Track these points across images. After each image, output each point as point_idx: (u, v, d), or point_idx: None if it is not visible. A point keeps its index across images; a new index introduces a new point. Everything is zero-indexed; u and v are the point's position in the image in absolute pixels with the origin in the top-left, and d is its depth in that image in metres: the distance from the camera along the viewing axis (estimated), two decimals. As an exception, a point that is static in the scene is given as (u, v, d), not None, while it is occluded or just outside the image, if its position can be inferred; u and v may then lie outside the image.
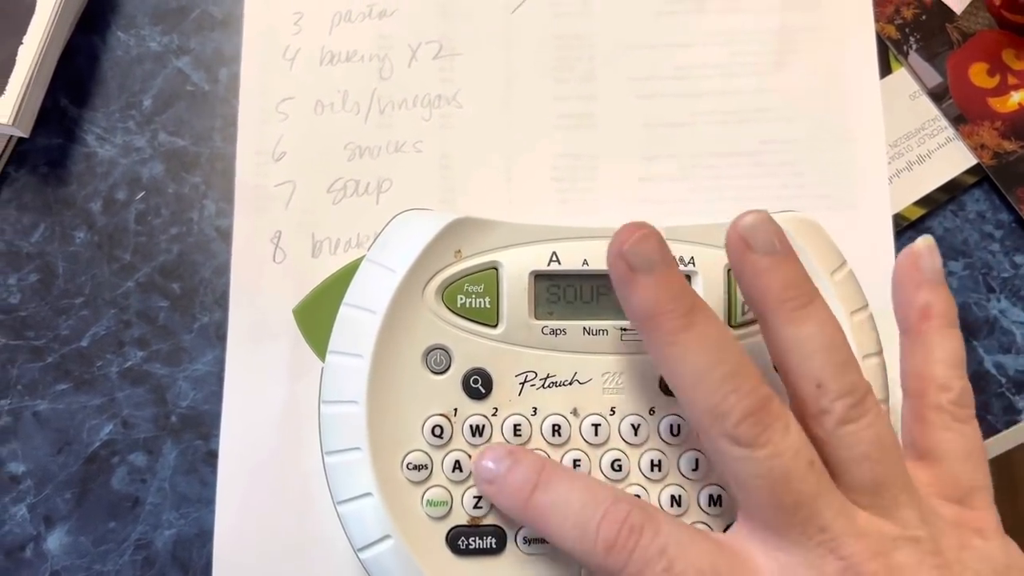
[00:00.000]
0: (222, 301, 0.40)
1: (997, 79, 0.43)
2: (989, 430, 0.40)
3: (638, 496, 0.33)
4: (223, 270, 0.40)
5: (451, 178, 0.41)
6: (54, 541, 0.38)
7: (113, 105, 0.42)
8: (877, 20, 0.42)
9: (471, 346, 0.34)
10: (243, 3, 0.43)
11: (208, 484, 0.38)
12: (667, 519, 0.29)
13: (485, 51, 0.42)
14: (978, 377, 0.40)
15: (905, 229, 0.41)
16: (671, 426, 0.34)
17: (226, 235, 0.40)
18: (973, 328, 0.41)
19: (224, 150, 0.42)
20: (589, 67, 0.42)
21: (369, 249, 0.35)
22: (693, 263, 0.34)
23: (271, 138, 0.41)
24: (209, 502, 0.38)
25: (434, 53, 0.42)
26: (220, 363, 0.39)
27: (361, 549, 0.33)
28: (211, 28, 0.43)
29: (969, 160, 0.42)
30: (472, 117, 0.41)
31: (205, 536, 0.38)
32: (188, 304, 0.40)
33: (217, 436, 0.38)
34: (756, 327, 0.34)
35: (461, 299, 0.34)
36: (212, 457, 0.38)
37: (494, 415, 0.34)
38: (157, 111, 0.42)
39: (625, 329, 0.34)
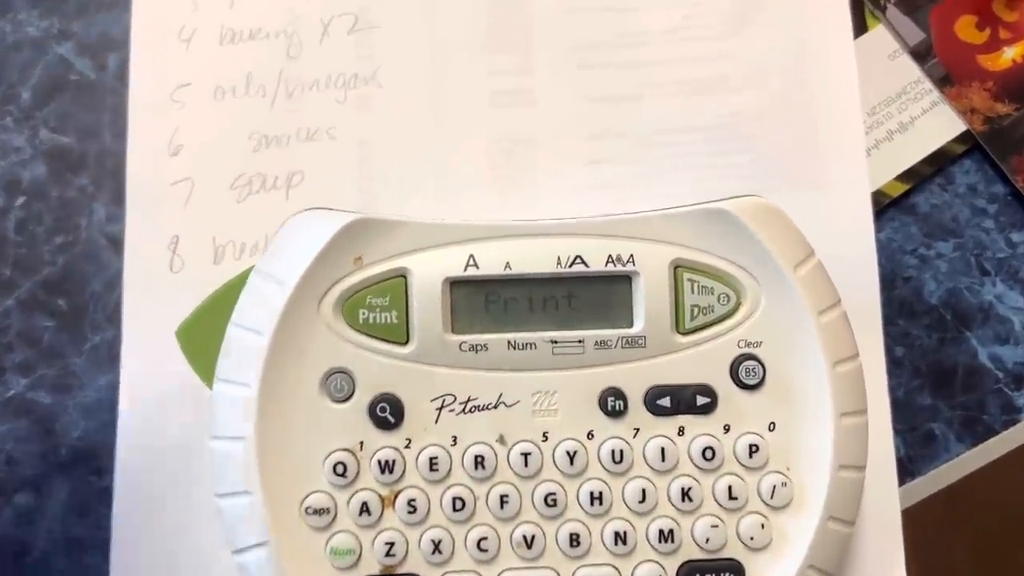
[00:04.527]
0: (115, 318, 0.37)
1: (987, 33, 0.40)
2: (986, 431, 0.37)
3: (577, 535, 0.30)
4: (115, 283, 0.37)
5: (371, 168, 0.38)
6: (-67, 595, 0.35)
7: (-13, 99, 0.39)
8: (850, -30, 0.39)
9: (377, 368, 0.30)
10: (131, -22, 0.39)
11: (103, 527, 0.35)
12: None
13: (407, 22, 0.39)
14: (972, 372, 0.38)
15: (887, 207, 0.39)
16: (613, 451, 0.30)
17: (118, 243, 0.37)
18: (965, 316, 0.38)
19: (114, 147, 0.38)
20: (526, 36, 0.39)
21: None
22: (632, 262, 0.30)
23: (166, 130, 0.38)
24: (104, 544, 0.35)
25: (349, 26, 0.39)
26: (114, 389, 0.36)
27: (261, 604, 0.29)
28: (96, 9, 0.40)
29: (958, 126, 0.39)
30: (394, 98, 0.38)
31: (101, 584, 0.34)
32: (77, 323, 0.37)
33: (112, 471, 0.35)
34: (705, 334, 0.31)
35: (364, 314, 0.30)
36: (106, 494, 0.35)
37: (407, 447, 0.30)
38: (37, 105, 0.39)
39: (556, 341, 0.30)
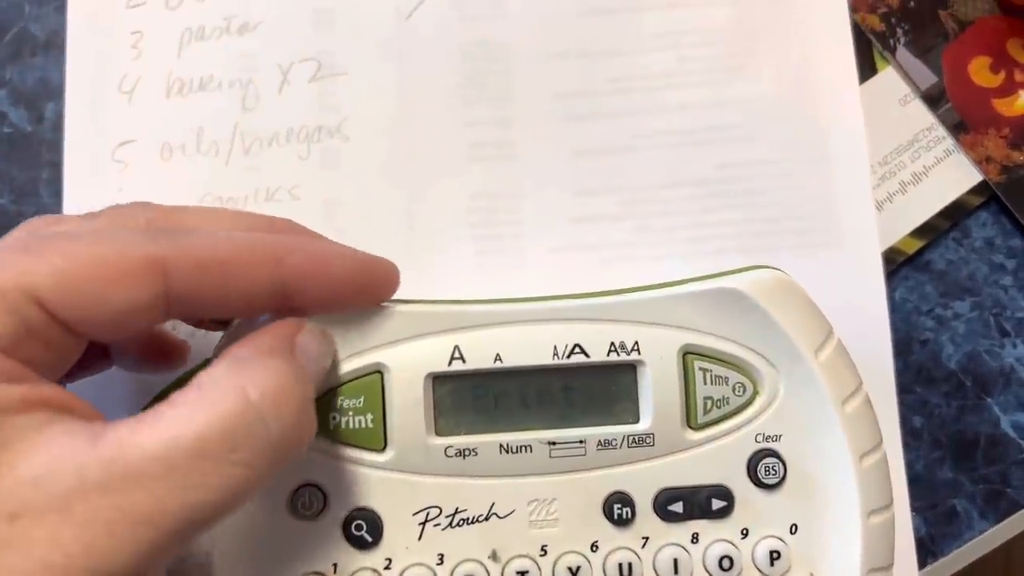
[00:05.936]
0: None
1: (1002, 76, 0.37)
2: (1011, 506, 0.35)
3: None
4: (52, 366, 0.33)
5: (338, 231, 0.34)
6: None
7: (-95, 158, 0.36)
8: (856, 10, 0.37)
9: (351, 480, 0.27)
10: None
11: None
12: None
13: (375, 69, 0.36)
14: (994, 442, 0.35)
15: (901, 266, 0.36)
16: (620, 564, 0.28)
17: (55, 319, 0.33)
18: (985, 382, 0.36)
19: (53, 207, 0.36)
20: (505, 83, 0.36)
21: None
22: (637, 349, 0.27)
23: (106, 193, 0.35)
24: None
25: (311, 74, 0.36)
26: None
27: None
28: (32, 52, 0.37)
29: (974, 177, 0.37)
30: (362, 152, 0.36)
31: None
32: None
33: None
34: (720, 429, 0.28)
35: (335, 418, 0.27)
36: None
37: (387, 568, 0.27)
38: (-37, 163, 0.36)
39: (554, 443, 0.27)
